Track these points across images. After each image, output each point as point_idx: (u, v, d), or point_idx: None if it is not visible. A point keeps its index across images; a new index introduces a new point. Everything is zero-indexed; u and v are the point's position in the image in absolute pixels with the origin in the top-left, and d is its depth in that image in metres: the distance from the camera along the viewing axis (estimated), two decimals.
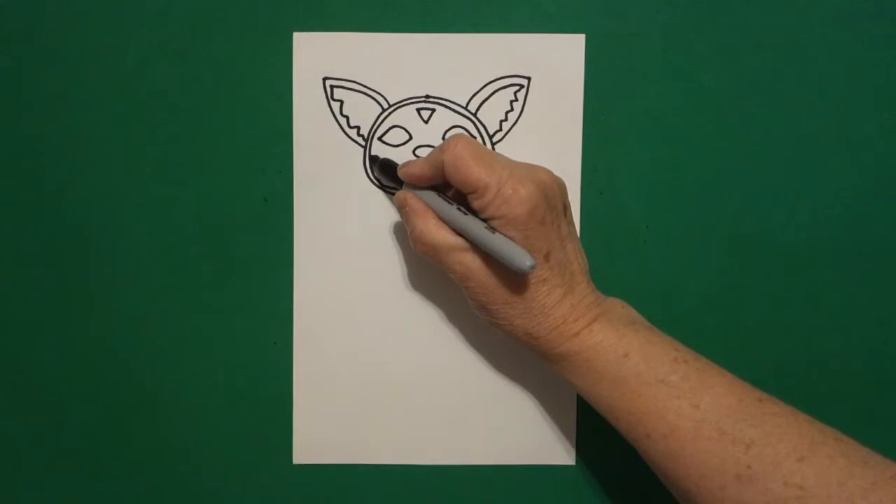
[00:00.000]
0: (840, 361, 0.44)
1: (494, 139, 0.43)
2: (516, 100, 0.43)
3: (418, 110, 0.43)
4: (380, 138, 0.43)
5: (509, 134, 0.43)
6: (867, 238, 0.44)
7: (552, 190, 0.37)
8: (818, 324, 0.44)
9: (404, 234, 0.43)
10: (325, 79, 0.43)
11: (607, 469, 0.44)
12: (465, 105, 0.43)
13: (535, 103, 0.43)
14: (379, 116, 0.43)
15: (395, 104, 0.43)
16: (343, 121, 0.43)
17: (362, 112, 0.43)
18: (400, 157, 0.43)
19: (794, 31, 0.43)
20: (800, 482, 0.32)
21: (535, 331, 0.37)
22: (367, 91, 0.43)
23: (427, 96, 0.43)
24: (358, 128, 0.43)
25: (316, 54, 0.43)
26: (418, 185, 0.39)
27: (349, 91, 0.43)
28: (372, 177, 0.43)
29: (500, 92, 0.43)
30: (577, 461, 0.44)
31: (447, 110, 0.43)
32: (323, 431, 0.44)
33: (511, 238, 0.35)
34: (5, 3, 0.43)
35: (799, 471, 0.32)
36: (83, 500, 0.45)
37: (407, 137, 0.43)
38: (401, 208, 0.40)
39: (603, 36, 0.43)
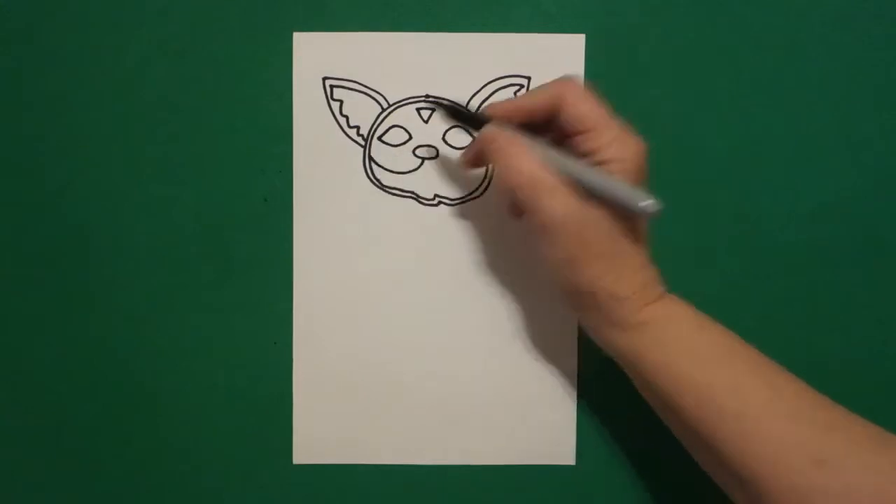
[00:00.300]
0: (840, 361, 0.44)
1: None
2: None
3: (418, 110, 0.43)
4: (379, 138, 0.43)
5: None
6: (867, 238, 0.44)
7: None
8: (818, 324, 0.44)
9: (404, 233, 0.44)
10: (324, 79, 0.43)
11: (607, 469, 0.44)
12: (465, 105, 0.43)
13: None
14: (379, 116, 0.43)
15: (394, 104, 0.43)
16: (343, 120, 0.43)
17: (362, 112, 0.43)
18: (400, 156, 0.43)
19: (794, 31, 0.43)
20: (879, 468, 0.31)
21: (621, 290, 0.35)
22: (366, 91, 0.43)
23: (427, 96, 0.43)
24: (358, 127, 0.43)
25: (316, 54, 0.43)
26: (511, 119, 0.37)
27: (349, 91, 0.43)
28: (440, 117, 0.42)
29: (500, 92, 0.43)
30: (577, 461, 0.44)
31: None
32: (323, 431, 0.44)
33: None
34: (5, 3, 0.43)
35: (878, 457, 0.32)
36: (83, 500, 0.45)
37: (407, 137, 0.43)
38: (489, 143, 0.37)
39: (603, 36, 0.43)
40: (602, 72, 0.43)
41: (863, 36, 0.43)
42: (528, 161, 0.35)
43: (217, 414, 0.44)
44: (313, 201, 0.44)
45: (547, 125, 0.38)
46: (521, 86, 0.43)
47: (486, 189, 0.44)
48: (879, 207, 0.44)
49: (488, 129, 0.37)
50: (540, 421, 0.44)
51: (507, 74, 0.43)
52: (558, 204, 0.35)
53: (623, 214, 0.35)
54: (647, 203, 0.32)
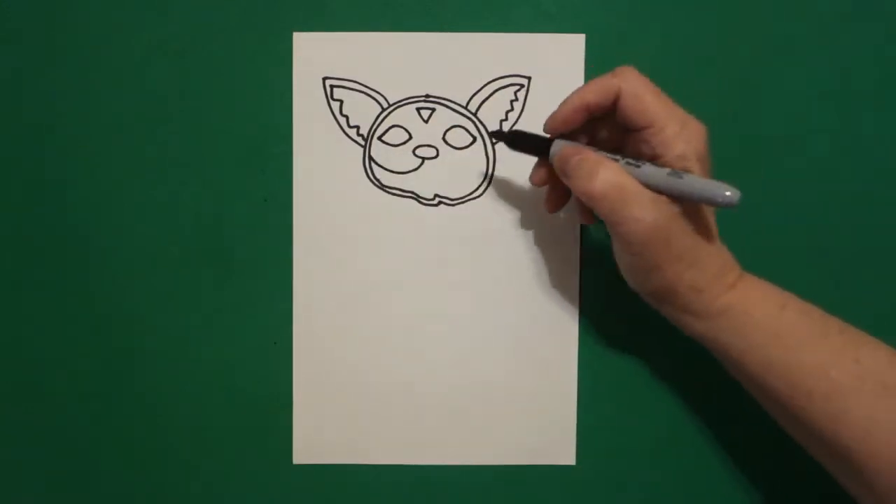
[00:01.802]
0: None
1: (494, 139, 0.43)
2: (516, 99, 0.43)
3: (418, 110, 0.43)
4: (380, 138, 0.43)
5: None
6: (867, 238, 0.44)
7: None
8: None
9: (404, 233, 0.44)
10: (325, 79, 0.43)
11: (607, 469, 0.44)
12: (465, 105, 0.43)
13: (535, 103, 0.43)
14: (379, 116, 0.43)
15: (394, 104, 0.43)
16: (343, 120, 0.43)
17: (362, 111, 0.43)
18: (400, 156, 0.43)
19: (794, 31, 0.43)
20: None
21: (700, 282, 0.35)
22: (366, 91, 0.43)
23: (427, 96, 0.43)
24: (358, 127, 0.43)
25: (316, 54, 0.43)
26: (574, 121, 0.36)
27: (349, 91, 0.43)
28: (490, 147, 0.42)
29: (500, 91, 0.43)
30: (577, 461, 0.44)
31: (447, 110, 0.43)
32: (323, 431, 0.44)
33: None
34: (5, 3, 0.43)
35: None
36: (83, 500, 0.45)
37: (407, 137, 0.43)
38: (570, 157, 0.36)
39: (603, 36, 0.43)
40: (602, 72, 0.43)
41: (863, 36, 0.43)
42: (611, 172, 0.34)
43: (217, 414, 0.44)
44: (313, 201, 0.44)
45: (603, 121, 0.37)
46: (522, 86, 0.43)
47: (486, 189, 0.44)
48: (879, 207, 0.44)
49: (563, 147, 0.37)
50: (540, 421, 0.44)
51: (507, 74, 0.43)
52: (646, 212, 0.34)
53: (696, 208, 0.35)
54: (732, 193, 0.31)
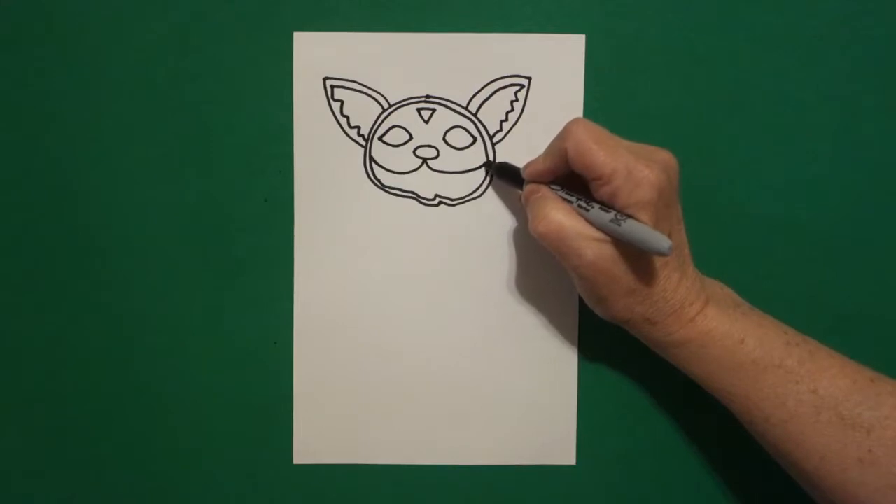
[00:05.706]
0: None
1: (495, 139, 0.43)
2: (516, 100, 0.43)
3: (419, 110, 0.43)
4: (380, 138, 0.43)
5: (510, 134, 0.43)
6: (867, 238, 0.44)
7: (674, 170, 0.37)
8: (818, 324, 0.44)
9: (404, 233, 0.44)
10: (325, 79, 0.43)
11: (607, 469, 0.44)
12: (465, 105, 0.43)
13: (535, 103, 0.43)
14: (379, 116, 0.43)
15: (395, 104, 0.43)
16: (343, 121, 0.43)
17: (362, 112, 0.43)
18: (400, 157, 0.43)
19: (794, 31, 0.43)
20: None
21: (654, 316, 0.37)
22: (367, 91, 0.43)
23: (427, 96, 0.43)
24: (358, 128, 0.43)
25: (316, 54, 0.43)
26: (543, 180, 0.39)
27: (349, 91, 0.43)
28: (493, 179, 0.43)
29: (501, 92, 0.43)
30: (577, 461, 0.44)
31: (447, 110, 0.43)
32: (323, 431, 0.44)
33: (642, 222, 0.35)
34: (5, 3, 0.43)
35: None
36: (83, 500, 0.45)
37: (407, 137, 0.43)
38: (529, 196, 0.39)
39: (603, 36, 0.43)
40: (602, 72, 0.43)
41: (863, 36, 0.43)
42: (557, 212, 0.36)
43: (217, 414, 0.44)
44: (313, 201, 0.44)
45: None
46: (522, 86, 0.43)
47: (486, 189, 0.44)
48: (879, 207, 0.44)
49: (527, 186, 0.40)
50: (540, 421, 0.44)
51: (507, 74, 0.43)
52: (585, 251, 0.36)
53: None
54: (662, 246, 0.33)
